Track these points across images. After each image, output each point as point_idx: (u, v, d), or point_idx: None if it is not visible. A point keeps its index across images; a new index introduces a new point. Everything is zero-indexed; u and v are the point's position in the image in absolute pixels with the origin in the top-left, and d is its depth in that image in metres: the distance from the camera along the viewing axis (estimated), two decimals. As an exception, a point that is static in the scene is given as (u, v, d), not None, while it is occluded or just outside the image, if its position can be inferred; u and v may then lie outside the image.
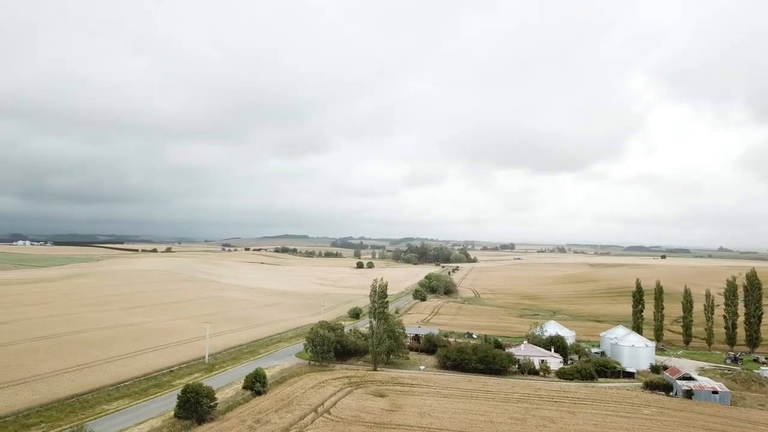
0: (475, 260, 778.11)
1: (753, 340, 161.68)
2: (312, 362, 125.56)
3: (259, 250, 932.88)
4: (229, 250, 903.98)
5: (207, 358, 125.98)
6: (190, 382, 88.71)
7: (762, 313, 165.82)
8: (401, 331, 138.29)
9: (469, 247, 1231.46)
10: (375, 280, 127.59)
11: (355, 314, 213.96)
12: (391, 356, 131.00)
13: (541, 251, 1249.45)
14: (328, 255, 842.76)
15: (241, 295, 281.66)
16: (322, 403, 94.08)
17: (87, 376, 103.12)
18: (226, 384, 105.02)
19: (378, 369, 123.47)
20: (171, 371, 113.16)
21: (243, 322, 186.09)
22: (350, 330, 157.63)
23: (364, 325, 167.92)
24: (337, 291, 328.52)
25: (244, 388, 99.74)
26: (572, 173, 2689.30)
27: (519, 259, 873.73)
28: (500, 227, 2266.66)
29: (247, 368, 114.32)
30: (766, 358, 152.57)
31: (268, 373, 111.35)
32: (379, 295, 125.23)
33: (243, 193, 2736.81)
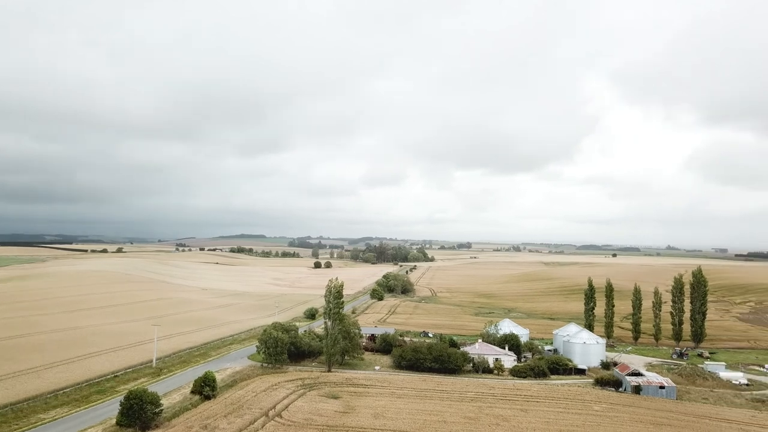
0: (432, 259, 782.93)
1: (698, 336, 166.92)
2: (265, 364, 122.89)
3: (214, 250, 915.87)
4: (183, 251, 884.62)
5: (155, 361, 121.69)
6: (135, 388, 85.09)
7: (706, 310, 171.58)
8: (357, 331, 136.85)
9: (427, 246, 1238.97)
10: (330, 281, 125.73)
11: (311, 315, 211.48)
12: (346, 357, 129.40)
13: (497, 250, 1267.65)
14: (285, 255, 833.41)
15: (194, 296, 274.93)
16: (274, 407, 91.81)
17: (23, 383, 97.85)
18: (174, 389, 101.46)
19: (332, 370, 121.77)
20: (116, 376, 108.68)
21: (195, 323, 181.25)
22: (305, 331, 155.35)
23: (319, 326, 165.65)
24: (293, 291, 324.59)
25: (193, 392, 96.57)
26: (529, 174, 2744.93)
27: (475, 258, 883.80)
28: (458, 227, 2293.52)
29: (197, 372, 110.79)
30: (709, 353, 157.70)
31: (219, 377, 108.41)
32: (335, 295, 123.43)
33: (200, 192, 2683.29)
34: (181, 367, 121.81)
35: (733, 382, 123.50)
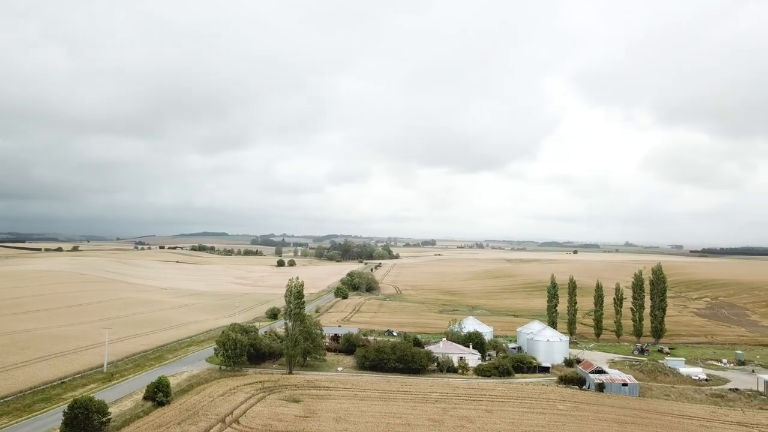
0: (397, 257, 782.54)
1: (658, 332, 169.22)
2: (223, 367, 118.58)
3: (174, 248, 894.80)
4: (143, 249, 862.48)
5: (106, 366, 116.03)
6: (81, 396, 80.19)
7: (666, 306, 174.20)
8: (319, 331, 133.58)
9: (393, 243, 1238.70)
10: (291, 280, 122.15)
11: (273, 315, 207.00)
12: (307, 358, 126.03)
13: (461, 247, 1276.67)
14: (247, 253, 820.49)
15: (152, 296, 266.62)
16: (231, 412, 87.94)
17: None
18: (125, 395, 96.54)
19: (294, 372, 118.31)
20: (63, 383, 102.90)
21: (152, 325, 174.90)
22: (266, 332, 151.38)
23: (281, 326, 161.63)
24: (255, 290, 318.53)
25: (145, 398, 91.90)
26: (492, 172, 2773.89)
27: (440, 255, 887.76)
28: (423, 224, 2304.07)
29: (151, 376, 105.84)
30: (669, 349, 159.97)
31: (175, 381, 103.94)
32: (295, 295, 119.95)
33: (160, 189, 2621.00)
34: (134, 371, 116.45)
35: (693, 377, 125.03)
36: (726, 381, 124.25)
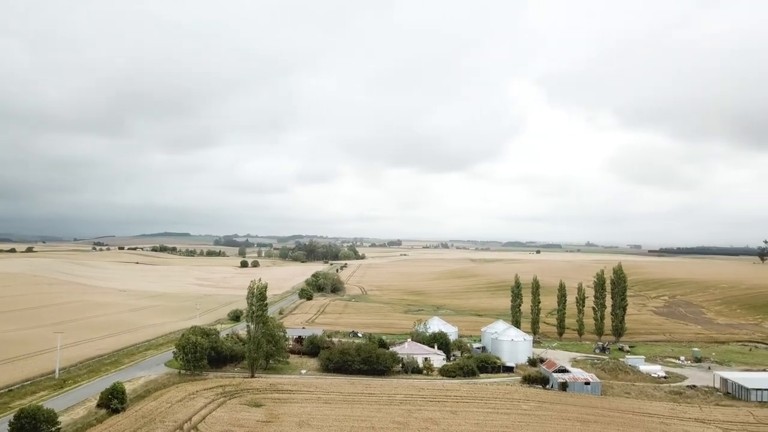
0: (363, 257, 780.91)
1: (618, 330, 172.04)
2: (183, 372, 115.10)
3: (135, 249, 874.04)
4: (101, 250, 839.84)
5: (58, 372, 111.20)
6: (28, 404, 76.35)
7: (626, 305, 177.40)
8: (282, 334, 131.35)
9: (359, 244, 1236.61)
10: (253, 281, 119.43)
11: (236, 317, 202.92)
12: (270, 361, 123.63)
13: (426, 247, 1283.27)
14: (210, 254, 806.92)
15: (109, 298, 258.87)
16: (190, 419, 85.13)
17: None
18: (77, 402, 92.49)
19: (256, 375, 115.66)
20: (10, 390, 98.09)
21: (108, 328, 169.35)
22: (227, 334, 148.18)
23: (243, 329, 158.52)
24: (218, 292, 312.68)
25: (99, 406, 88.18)
26: (459, 173, 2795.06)
27: (405, 255, 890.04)
28: (390, 224, 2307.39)
29: (106, 382, 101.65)
30: (629, 347, 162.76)
31: (131, 387, 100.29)
32: (257, 297, 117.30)
33: (121, 189, 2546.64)
34: (88, 377, 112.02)
35: (653, 375, 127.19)
36: (684, 378, 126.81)
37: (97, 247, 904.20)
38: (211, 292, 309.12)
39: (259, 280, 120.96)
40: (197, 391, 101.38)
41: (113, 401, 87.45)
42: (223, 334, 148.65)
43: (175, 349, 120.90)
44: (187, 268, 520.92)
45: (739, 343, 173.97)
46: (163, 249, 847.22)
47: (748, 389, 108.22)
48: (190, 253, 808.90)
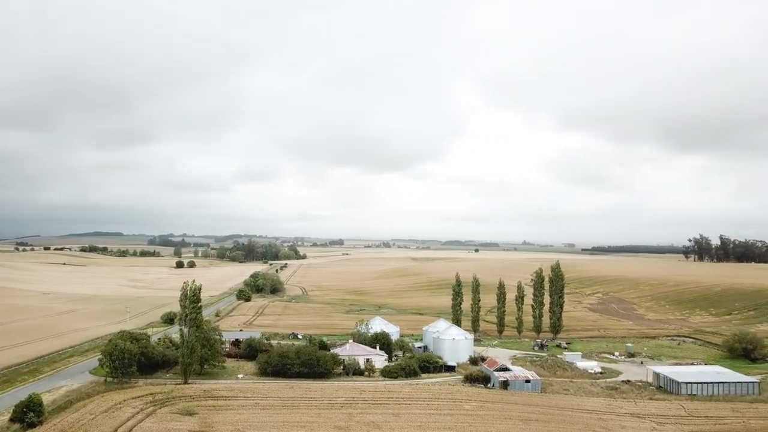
0: (304, 257, 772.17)
1: (556, 327, 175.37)
2: (109, 379, 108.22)
3: (62, 249, 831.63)
4: (25, 250, 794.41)
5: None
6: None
7: (563, 302, 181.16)
8: (217, 337, 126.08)
9: (299, 243, 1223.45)
10: (186, 283, 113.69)
11: (170, 319, 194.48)
12: (205, 366, 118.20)
13: (368, 246, 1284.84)
14: (144, 254, 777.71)
15: (31, 302, 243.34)
16: (115, 431, 79.56)
17: None
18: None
19: (189, 382, 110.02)
20: None
21: (28, 334, 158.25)
22: (160, 338, 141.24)
23: (177, 332, 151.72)
24: (151, 294, 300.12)
25: (12, 420, 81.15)
26: (400, 173, 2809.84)
27: (347, 254, 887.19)
28: (331, 224, 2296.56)
29: (22, 393, 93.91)
30: (567, 343, 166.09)
31: (50, 398, 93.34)
32: (191, 299, 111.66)
33: (49, 186, 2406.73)
34: (1, 388, 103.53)
35: (589, 371, 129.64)
36: (619, 373, 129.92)
37: (20, 248, 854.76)
38: (144, 294, 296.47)
39: (193, 281, 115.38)
40: (124, 401, 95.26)
41: (29, 414, 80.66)
42: (155, 338, 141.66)
43: (101, 356, 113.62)
44: (118, 269, 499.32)
45: (669, 338, 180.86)
46: (93, 249, 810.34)
47: (679, 383, 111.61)
48: (123, 254, 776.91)
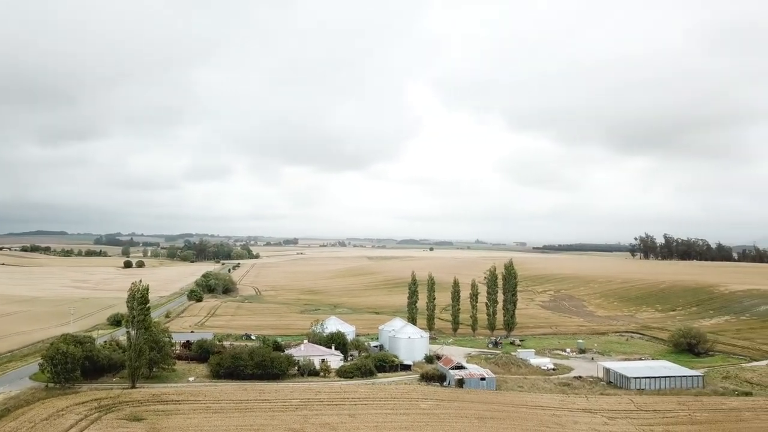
0: (257, 256, 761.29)
1: (509, 325, 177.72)
2: (51, 385, 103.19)
3: (0, 249, 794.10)
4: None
5: None
6: None
7: (517, 299, 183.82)
8: (167, 339, 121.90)
9: (253, 243, 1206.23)
10: (133, 284, 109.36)
11: (117, 321, 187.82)
12: (154, 369, 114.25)
13: (324, 245, 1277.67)
14: (90, 254, 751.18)
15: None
16: (57, 440, 75.66)
17: None
18: None
19: (137, 386, 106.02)
20: None
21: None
22: (106, 341, 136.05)
23: (124, 334, 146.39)
24: (97, 295, 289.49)
25: (-57, 431, 76.16)
26: (356, 172, 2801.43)
27: (302, 254, 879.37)
28: (286, 223, 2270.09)
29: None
30: (520, 340, 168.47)
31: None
32: (138, 300, 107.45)
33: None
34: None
35: (543, 367, 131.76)
36: (570, 369, 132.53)
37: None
38: (90, 295, 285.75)
39: (140, 282, 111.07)
40: (67, 407, 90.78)
41: (-39, 424, 75.81)
42: (101, 341, 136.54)
43: (41, 360, 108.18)
44: (62, 270, 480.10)
45: (617, 334, 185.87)
46: (34, 249, 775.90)
47: (628, 378, 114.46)
48: (67, 253, 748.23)
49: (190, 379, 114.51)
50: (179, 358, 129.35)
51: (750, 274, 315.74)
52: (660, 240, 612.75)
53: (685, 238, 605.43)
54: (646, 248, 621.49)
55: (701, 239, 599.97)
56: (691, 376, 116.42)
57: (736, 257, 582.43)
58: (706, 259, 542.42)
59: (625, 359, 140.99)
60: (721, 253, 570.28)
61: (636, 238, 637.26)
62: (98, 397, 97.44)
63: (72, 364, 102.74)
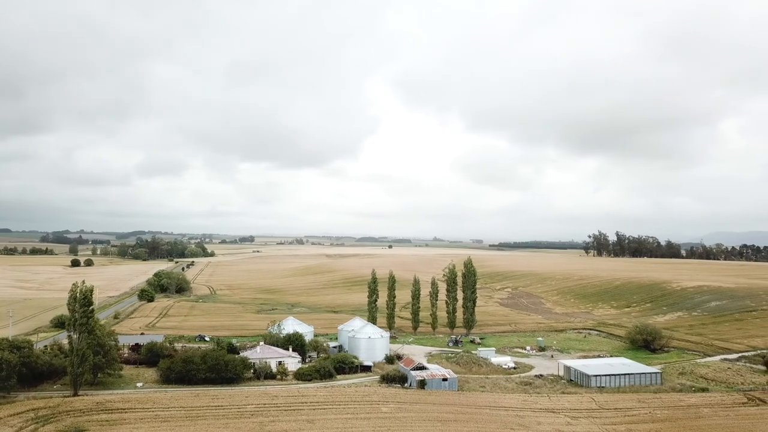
0: (212, 254, 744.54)
1: (469, 323, 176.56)
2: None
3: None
4: None
5: None
6: None
7: (476, 297, 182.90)
8: (113, 342, 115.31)
9: (208, 240, 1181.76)
10: (75, 284, 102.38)
11: (60, 323, 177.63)
12: (99, 375, 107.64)
13: (281, 243, 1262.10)
14: (35, 252, 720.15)
15: None
16: (-14, 456, 69.31)
17: None
18: None
19: (80, 393, 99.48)
20: None
21: None
22: (47, 346, 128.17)
23: (67, 338, 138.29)
24: (41, 295, 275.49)
25: None
26: (314, 169, 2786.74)
27: (259, 251, 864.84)
28: (242, 220, 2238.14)
29: None
30: (480, 339, 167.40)
31: None
32: (81, 302, 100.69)
33: None
34: None
35: (504, 366, 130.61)
36: (531, 368, 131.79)
37: None
38: (33, 296, 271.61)
39: (83, 282, 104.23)
40: (0, 419, 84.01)
41: None
42: (41, 345, 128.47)
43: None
44: (3, 269, 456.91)
45: (575, 331, 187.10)
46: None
47: (588, 376, 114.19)
48: (10, 252, 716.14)
49: (138, 384, 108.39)
50: (127, 362, 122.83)
51: (699, 270, 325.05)
52: (612, 237, 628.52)
53: (636, 236, 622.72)
54: (599, 245, 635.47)
55: (651, 237, 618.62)
56: (650, 373, 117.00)
57: (684, 254, 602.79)
58: (656, 256, 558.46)
59: (584, 356, 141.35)
60: (671, 251, 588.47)
61: (589, 236, 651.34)
62: (36, 407, 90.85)
63: (7, 372, 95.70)
